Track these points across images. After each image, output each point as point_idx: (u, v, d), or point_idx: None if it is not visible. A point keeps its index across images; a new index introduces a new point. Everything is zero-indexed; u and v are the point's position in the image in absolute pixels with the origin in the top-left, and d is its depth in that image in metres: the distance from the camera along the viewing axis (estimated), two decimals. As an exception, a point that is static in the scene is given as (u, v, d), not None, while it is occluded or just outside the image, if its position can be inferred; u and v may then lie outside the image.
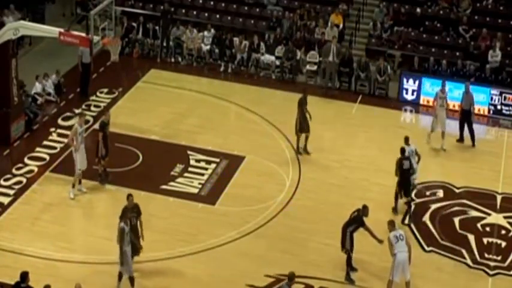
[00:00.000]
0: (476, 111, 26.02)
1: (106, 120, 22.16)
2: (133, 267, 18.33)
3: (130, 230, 18.08)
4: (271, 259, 19.78)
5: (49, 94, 26.40)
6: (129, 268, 18.05)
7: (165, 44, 29.86)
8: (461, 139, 25.41)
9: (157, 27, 30.14)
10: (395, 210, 21.60)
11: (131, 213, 18.34)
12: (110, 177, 22.39)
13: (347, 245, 18.95)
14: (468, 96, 25.35)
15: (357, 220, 18.95)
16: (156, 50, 30.15)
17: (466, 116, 25.33)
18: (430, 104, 27.70)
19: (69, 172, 22.07)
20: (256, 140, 24.94)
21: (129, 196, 18.63)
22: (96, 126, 23.32)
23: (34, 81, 26.08)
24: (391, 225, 18.55)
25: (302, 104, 23.87)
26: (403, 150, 21.58)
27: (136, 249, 18.46)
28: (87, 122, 25.14)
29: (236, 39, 29.76)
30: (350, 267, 19.23)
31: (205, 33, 29.89)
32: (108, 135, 22.06)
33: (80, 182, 21.86)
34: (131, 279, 18.17)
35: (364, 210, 18.97)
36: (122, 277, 18.17)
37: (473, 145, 25.28)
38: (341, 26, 30.26)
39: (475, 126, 25.45)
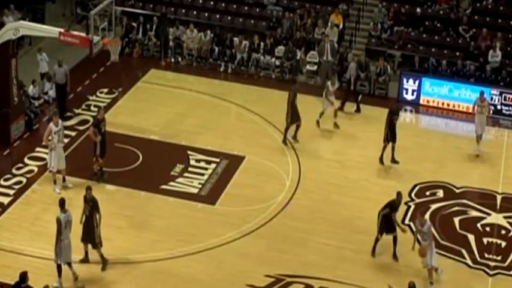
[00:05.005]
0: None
1: (100, 117, 22.17)
2: (130, 266, 18.30)
3: (85, 221, 18.68)
4: (271, 259, 19.77)
5: (46, 93, 26.38)
6: (61, 256, 18.16)
7: (164, 45, 29.90)
8: (358, 109, 26.95)
9: (153, 29, 30.13)
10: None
11: (85, 204, 18.75)
12: (106, 176, 22.39)
13: (379, 228, 19.60)
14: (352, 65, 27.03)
15: (389, 205, 19.54)
16: (154, 50, 30.14)
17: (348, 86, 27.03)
18: (430, 104, 27.78)
19: (69, 172, 22.09)
20: (256, 140, 24.94)
21: (88, 189, 18.90)
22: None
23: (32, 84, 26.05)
24: (423, 216, 19.42)
25: (392, 114, 23.67)
26: None
27: (92, 240, 18.79)
28: (86, 122, 25.20)
29: (236, 39, 29.76)
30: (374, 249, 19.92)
31: (202, 36, 29.85)
32: (104, 133, 22.04)
33: (64, 180, 21.95)
34: (59, 267, 18.27)
35: (398, 197, 19.59)
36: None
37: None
38: (341, 26, 30.25)
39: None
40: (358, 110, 26.87)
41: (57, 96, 26.07)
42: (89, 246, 18.99)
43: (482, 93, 24.82)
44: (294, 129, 24.62)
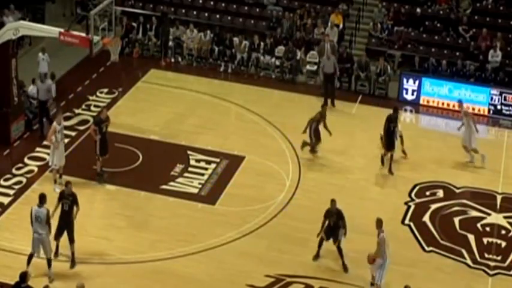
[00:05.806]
0: (476, 111, 26.16)
1: (103, 116, 22.17)
2: (130, 266, 18.28)
3: (62, 216, 18.76)
4: (271, 259, 19.77)
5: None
6: (33, 248, 18.31)
7: (165, 45, 29.90)
8: (325, 103, 26.43)
9: (153, 28, 30.14)
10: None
11: (65, 199, 18.83)
12: (106, 176, 22.38)
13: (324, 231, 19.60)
14: (330, 61, 26.95)
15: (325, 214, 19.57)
16: (154, 50, 30.15)
17: (328, 79, 26.92)
18: (430, 104, 27.79)
19: (70, 172, 22.08)
20: (256, 140, 24.94)
21: (68, 184, 19.07)
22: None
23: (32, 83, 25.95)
24: (381, 224, 18.43)
25: (390, 121, 23.27)
26: None
27: (70, 236, 18.85)
28: (86, 122, 25.22)
29: (236, 39, 29.77)
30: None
31: (202, 36, 29.86)
32: (105, 133, 22.04)
33: (60, 176, 21.97)
34: (30, 257, 18.39)
35: (331, 204, 19.49)
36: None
37: (333, 105, 26.83)
38: (341, 26, 30.26)
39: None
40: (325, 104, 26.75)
41: (39, 115, 24.68)
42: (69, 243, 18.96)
43: (459, 101, 24.46)
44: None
